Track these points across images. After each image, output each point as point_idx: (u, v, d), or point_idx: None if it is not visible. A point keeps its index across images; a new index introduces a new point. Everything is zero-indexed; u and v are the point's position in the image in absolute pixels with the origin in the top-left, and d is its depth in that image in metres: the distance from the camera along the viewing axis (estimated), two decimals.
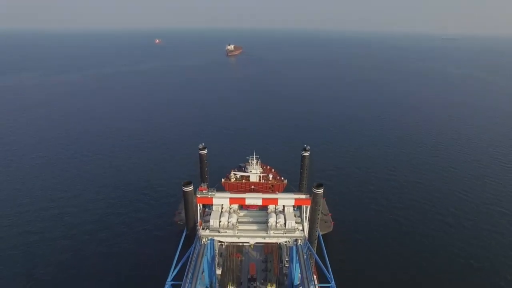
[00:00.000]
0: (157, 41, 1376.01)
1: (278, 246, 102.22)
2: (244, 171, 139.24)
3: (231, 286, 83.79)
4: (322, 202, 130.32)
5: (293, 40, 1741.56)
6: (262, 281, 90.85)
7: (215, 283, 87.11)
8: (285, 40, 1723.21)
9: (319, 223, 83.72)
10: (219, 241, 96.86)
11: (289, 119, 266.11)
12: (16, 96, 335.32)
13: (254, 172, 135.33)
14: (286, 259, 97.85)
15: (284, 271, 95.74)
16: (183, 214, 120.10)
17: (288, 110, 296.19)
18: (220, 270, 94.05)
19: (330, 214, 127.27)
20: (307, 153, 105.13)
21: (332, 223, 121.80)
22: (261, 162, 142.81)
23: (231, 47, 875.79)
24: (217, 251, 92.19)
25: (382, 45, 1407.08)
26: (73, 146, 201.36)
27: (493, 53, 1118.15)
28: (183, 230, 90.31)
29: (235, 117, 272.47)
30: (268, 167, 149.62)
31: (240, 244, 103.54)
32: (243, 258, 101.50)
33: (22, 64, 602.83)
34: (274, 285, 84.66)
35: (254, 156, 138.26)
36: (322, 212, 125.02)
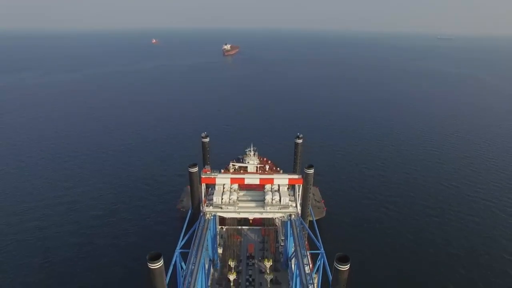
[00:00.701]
0: (154, 41, 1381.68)
1: (275, 230, 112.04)
2: (242, 163, 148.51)
3: (232, 261, 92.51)
4: (315, 190, 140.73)
5: (290, 39, 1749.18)
6: (260, 258, 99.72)
7: (217, 258, 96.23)
8: (281, 39, 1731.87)
9: (310, 201, 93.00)
10: (221, 226, 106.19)
11: (284, 115, 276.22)
12: (16, 95, 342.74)
13: (252, 163, 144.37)
14: (282, 238, 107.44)
15: (280, 250, 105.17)
16: (185, 202, 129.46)
17: (282, 106, 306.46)
18: (221, 249, 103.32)
19: (323, 201, 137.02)
20: (300, 141, 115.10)
21: (325, 209, 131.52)
22: (258, 154, 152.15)
23: (227, 46, 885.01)
24: (218, 232, 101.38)
25: (382, 45, 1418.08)
26: (73, 144, 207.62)
27: (486, 51, 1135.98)
28: (186, 215, 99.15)
29: (232, 113, 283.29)
30: (265, 158, 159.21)
31: (239, 227, 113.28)
32: (242, 239, 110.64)
33: (22, 64, 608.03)
34: (271, 261, 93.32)
35: (252, 148, 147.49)
36: (315, 199, 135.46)
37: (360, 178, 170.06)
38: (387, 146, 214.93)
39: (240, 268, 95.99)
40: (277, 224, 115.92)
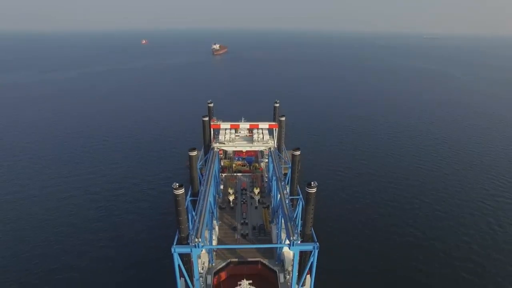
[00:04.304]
0: (144, 41, 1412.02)
1: (261, 175, 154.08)
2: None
3: (230, 189, 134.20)
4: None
5: (276, 40, 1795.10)
6: (250, 189, 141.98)
7: (220, 190, 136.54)
8: (267, 40, 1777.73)
9: (283, 140, 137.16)
10: (221, 173, 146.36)
11: (265, 99, 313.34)
12: (14, 93, 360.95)
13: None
14: (266, 175, 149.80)
15: (265, 186, 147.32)
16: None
17: (265, 92, 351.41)
18: (222, 186, 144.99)
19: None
20: (277, 104, 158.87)
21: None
22: None
23: (216, 46, 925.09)
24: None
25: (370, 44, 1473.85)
26: (71, 143, 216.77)
27: (469, 51, 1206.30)
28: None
29: (224, 98, 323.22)
30: None
31: (235, 174, 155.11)
32: (236, 181, 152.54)
33: (19, 64, 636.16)
34: (258, 189, 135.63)
35: (243, 120, 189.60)
36: None
37: (337, 158, 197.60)
38: (363, 127, 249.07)
39: (236, 195, 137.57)
40: (262, 167, 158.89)
